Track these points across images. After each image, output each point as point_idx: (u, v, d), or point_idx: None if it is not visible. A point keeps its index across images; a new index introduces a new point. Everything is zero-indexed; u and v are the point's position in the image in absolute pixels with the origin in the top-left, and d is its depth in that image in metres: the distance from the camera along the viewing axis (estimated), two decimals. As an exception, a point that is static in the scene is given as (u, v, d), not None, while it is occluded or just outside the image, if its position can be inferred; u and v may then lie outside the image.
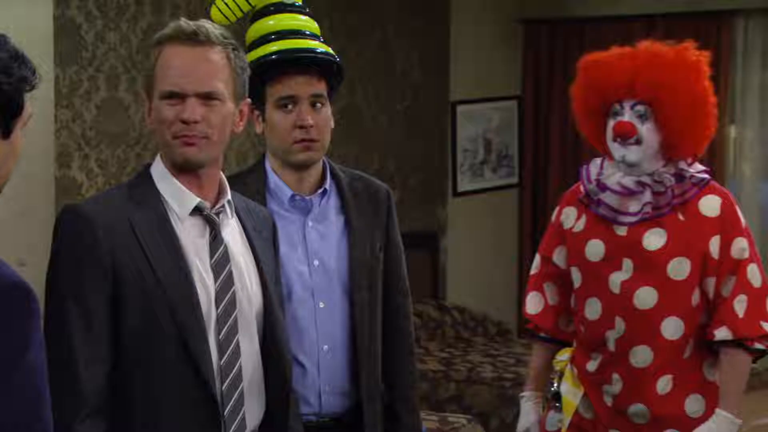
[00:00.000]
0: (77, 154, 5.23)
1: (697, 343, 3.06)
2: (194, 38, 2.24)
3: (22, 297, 1.62)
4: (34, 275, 2.26)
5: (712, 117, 3.10)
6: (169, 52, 2.25)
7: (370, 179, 2.94)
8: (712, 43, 6.66)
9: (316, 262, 2.78)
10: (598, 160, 3.18)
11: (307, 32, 2.86)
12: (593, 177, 3.14)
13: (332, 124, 2.82)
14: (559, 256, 3.21)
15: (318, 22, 2.95)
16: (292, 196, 2.78)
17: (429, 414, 5.10)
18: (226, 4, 2.91)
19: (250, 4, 2.90)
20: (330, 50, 2.84)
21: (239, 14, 2.92)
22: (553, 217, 3.25)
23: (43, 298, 2.24)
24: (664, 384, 3.04)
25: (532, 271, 3.29)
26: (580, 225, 3.15)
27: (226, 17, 2.91)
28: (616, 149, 3.04)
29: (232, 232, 2.33)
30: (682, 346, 3.05)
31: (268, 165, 2.83)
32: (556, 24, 7.27)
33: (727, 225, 3.05)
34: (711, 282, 3.04)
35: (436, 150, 7.08)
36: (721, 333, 3.02)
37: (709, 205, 3.05)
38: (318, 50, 2.81)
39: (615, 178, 3.09)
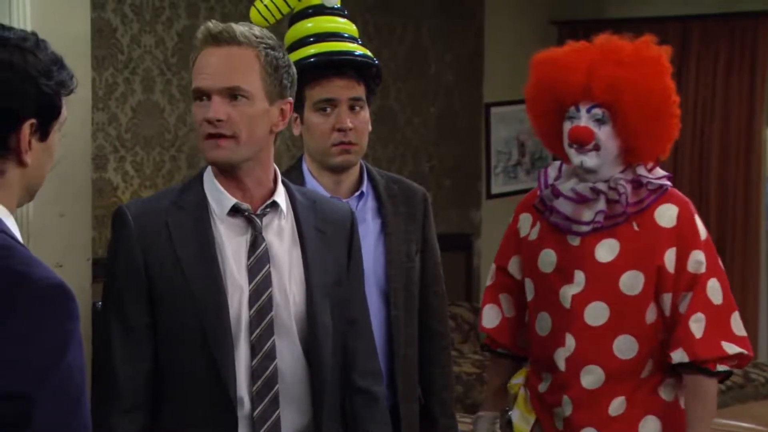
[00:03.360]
0: (113, 156, 5.26)
1: (657, 362, 2.85)
2: (219, 38, 2.26)
3: (60, 298, 1.64)
4: (72, 277, 2.29)
5: (675, 118, 2.89)
6: (202, 55, 2.29)
7: (406, 182, 2.93)
8: (748, 44, 6.62)
9: (353, 265, 2.77)
10: (557, 163, 2.98)
11: (346, 35, 2.86)
12: (550, 182, 2.94)
13: (370, 127, 2.82)
14: (514, 266, 3.01)
15: (353, 24, 2.95)
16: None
17: (463, 416, 5.08)
18: (265, 6, 2.92)
19: (289, 6, 2.90)
20: (368, 53, 2.84)
21: (279, 16, 2.92)
22: (510, 224, 3.05)
23: (82, 299, 2.30)
24: (617, 406, 2.84)
25: (488, 282, 3.09)
26: (535, 233, 2.95)
27: (265, 19, 2.92)
28: (574, 155, 2.84)
29: (279, 232, 2.32)
30: (638, 366, 2.84)
31: (305, 167, 2.83)
32: (590, 25, 7.21)
33: (684, 237, 2.83)
34: (667, 298, 2.82)
35: (469, 152, 7.06)
36: (678, 355, 2.79)
37: (666, 214, 2.84)
38: (357, 53, 2.81)
39: (569, 184, 2.89)
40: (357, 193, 2.81)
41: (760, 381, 5.94)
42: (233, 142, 2.24)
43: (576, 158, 2.84)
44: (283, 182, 2.37)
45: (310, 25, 2.85)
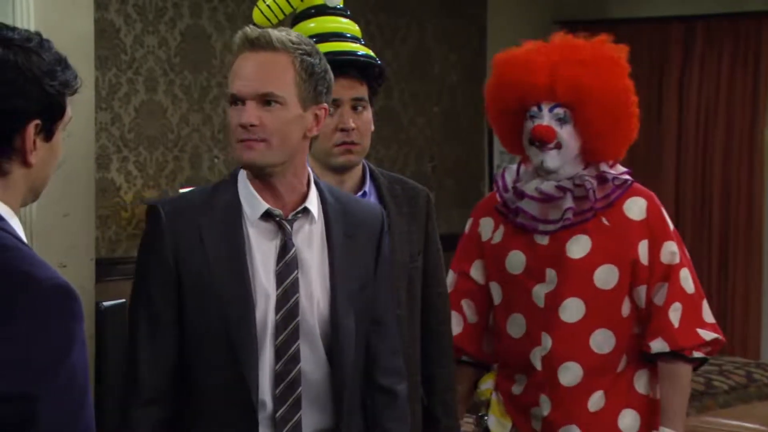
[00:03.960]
0: (116, 156, 5.26)
1: (630, 355, 2.89)
2: (256, 44, 2.29)
3: (64, 298, 1.64)
4: (75, 277, 2.30)
5: (635, 117, 2.92)
6: (239, 60, 2.32)
7: (409, 182, 2.93)
8: (751, 45, 6.61)
9: (355, 265, 2.77)
10: (513, 167, 3.01)
11: (349, 35, 2.86)
12: (509, 185, 2.96)
13: (372, 127, 2.82)
14: (476, 271, 3.02)
15: (356, 24, 2.95)
16: (332, 198, 2.78)
17: (467, 417, 5.07)
18: (268, 6, 2.91)
19: (291, 6, 2.90)
20: (371, 53, 2.84)
21: (281, 16, 2.92)
22: (467, 229, 3.07)
23: (85, 299, 2.31)
24: (595, 400, 2.86)
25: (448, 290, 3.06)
26: (498, 236, 2.97)
27: (268, 19, 2.92)
28: (534, 154, 2.87)
29: (309, 238, 2.35)
30: (614, 360, 2.87)
31: (308, 167, 2.83)
32: (593, 25, 7.19)
33: (655, 229, 2.87)
34: (642, 290, 2.86)
35: (472, 152, 7.06)
36: (657, 345, 2.85)
37: (635, 207, 2.87)
38: (359, 53, 2.81)
39: (533, 184, 2.91)
40: (359, 194, 2.81)
41: (764, 381, 5.93)
42: (264, 146, 2.27)
43: (537, 157, 2.87)
44: (316, 185, 2.39)
45: (312, 25, 2.85)
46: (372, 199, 2.83)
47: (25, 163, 1.74)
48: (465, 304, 3.04)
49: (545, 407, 2.87)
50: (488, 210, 3.03)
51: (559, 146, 2.85)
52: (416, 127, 6.72)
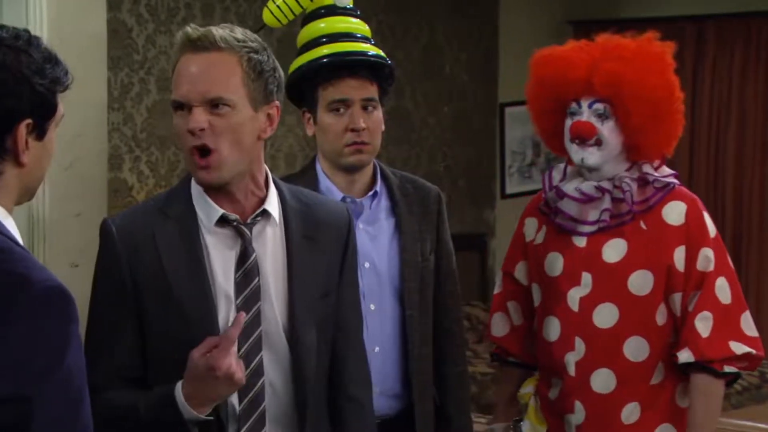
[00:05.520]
0: (128, 156, 5.28)
1: (668, 366, 2.78)
2: (199, 44, 2.14)
3: (59, 300, 1.63)
4: (87, 277, 2.28)
5: (679, 114, 2.82)
6: (181, 62, 2.17)
7: (420, 181, 2.93)
8: (763, 44, 6.60)
9: (366, 265, 2.78)
10: (561, 165, 2.92)
11: (359, 35, 2.86)
12: (555, 183, 2.88)
13: (383, 127, 2.82)
14: (520, 272, 2.95)
15: (366, 24, 2.95)
16: (343, 198, 2.78)
17: (478, 416, 5.08)
18: (278, 6, 2.92)
19: (301, 6, 2.90)
20: (381, 53, 2.84)
21: (291, 17, 2.93)
22: (516, 229, 2.99)
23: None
24: (629, 412, 2.77)
25: (496, 291, 3.03)
26: (540, 237, 2.89)
27: (278, 20, 2.92)
28: (575, 152, 2.78)
29: (270, 242, 2.22)
30: (649, 369, 2.77)
31: (319, 167, 2.83)
32: (605, 25, 7.16)
33: (693, 234, 2.75)
34: (677, 298, 2.75)
35: (484, 152, 7.06)
36: (684, 355, 2.72)
37: (674, 212, 2.77)
38: (370, 53, 2.81)
39: (573, 184, 2.83)
40: (371, 193, 2.82)
41: (776, 381, 5.93)
42: (216, 158, 2.13)
43: (577, 155, 2.79)
44: (275, 185, 2.27)
45: (322, 25, 2.85)
46: (383, 198, 2.84)
47: (18, 163, 1.72)
48: (510, 305, 2.99)
49: (580, 415, 2.81)
50: (533, 210, 2.95)
51: (599, 143, 2.76)
52: (427, 127, 6.72)
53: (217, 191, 2.19)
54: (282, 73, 2.24)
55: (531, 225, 2.94)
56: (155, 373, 2.18)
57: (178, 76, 2.16)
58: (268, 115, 2.20)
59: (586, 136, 2.76)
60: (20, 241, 1.73)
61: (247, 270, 2.18)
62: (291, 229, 2.24)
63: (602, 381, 2.78)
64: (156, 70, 5.35)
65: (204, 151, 2.14)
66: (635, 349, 2.77)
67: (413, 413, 2.79)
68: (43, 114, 1.73)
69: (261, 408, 2.18)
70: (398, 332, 2.79)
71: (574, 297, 2.80)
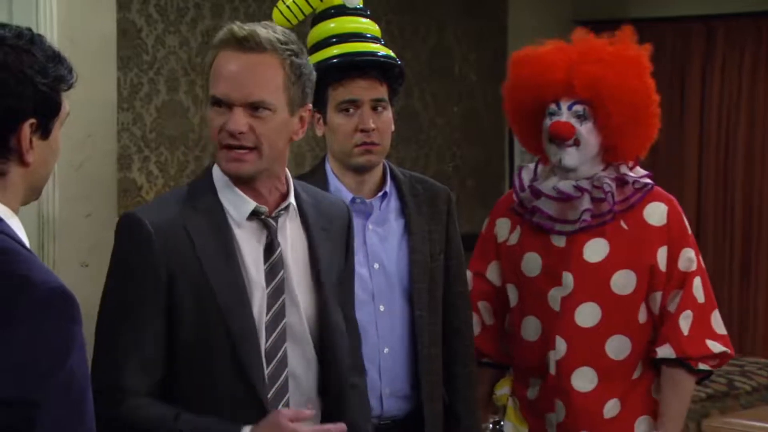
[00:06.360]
0: (137, 156, 5.28)
1: (646, 361, 2.84)
2: (245, 44, 2.15)
3: (61, 301, 1.63)
4: (97, 276, 2.28)
5: (655, 117, 2.87)
6: (222, 57, 2.18)
7: (430, 182, 2.93)
8: (773, 44, 6.59)
9: (376, 265, 2.78)
10: (531, 165, 2.96)
11: (369, 35, 2.86)
12: (526, 183, 2.91)
13: (393, 127, 2.82)
14: (492, 273, 2.98)
15: (375, 24, 2.95)
16: (353, 199, 2.78)
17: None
18: (288, 6, 2.92)
19: (311, 6, 2.90)
20: (391, 53, 2.84)
21: (301, 17, 2.93)
22: (484, 229, 3.02)
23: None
24: (610, 407, 2.82)
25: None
26: (515, 237, 2.92)
27: (288, 20, 2.92)
28: (553, 152, 2.82)
29: (291, 235, 2.27)
30: (630, 366, 2.83)
31: (328, 168, 2.83)
32: (613, 25, 7.19)
33: (674, 235, 2.81)
34: (657, 296, 2.81)
35: (493, 152, 7.05)
36: (665, 351, 2.80)
37: (655, 212, 2.82)
38: (379, 53, 2.81)
39: (550, 182, 2.86)
40: (380, 193, 2.82)
41: (786, 382, 5.91)
42: (255, 156, 2.17)
43: (555, 155, 2.82)
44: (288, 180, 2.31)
45: (332, 25, 2.85)
46: (393, 198, 2.83)
47: (23, 163, 1.72)
48: (481, 305, 3.01)
49: (560, 413, 2.84)
50: (505, 210, 2.98)
51: (577, 143, 2.80)
52: (436, 127, 6.72)
53: (243, 184, 2.22)
54: (315, 74, 2.27)
55: (503, 225, 2.96)
56: (185, 363, 2.17)
57: (219, 72, 2.17)
58: (301, 118, 2.25)
59: (565, 136, 2.79)
60: (26, 241, 1.72)
61: (273, 262, 2.22)
62: (309, 221, 2.30)
63: (584, 379, 2.81)
64: (165, 70, 5.36)
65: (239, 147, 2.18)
66: (618, 347, 2.82)
67: (422, 414, 2.79)
68: (46, 113, 1.73)
69: (285, 398, 2.21)
70: (408, 333, 2.79)
71: (555, 297, 2.83)
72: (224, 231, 2.20)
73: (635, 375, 2.84)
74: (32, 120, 1.71)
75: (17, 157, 1.71)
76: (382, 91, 2.77)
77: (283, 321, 2.21)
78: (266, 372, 2.19)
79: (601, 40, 2.88)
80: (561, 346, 2.82)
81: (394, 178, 2.85)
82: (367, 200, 2.80)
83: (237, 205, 2.22)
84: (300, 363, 2.24)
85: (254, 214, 2.23)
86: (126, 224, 2.21)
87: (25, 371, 1.59)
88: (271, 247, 2.23)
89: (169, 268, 2.16)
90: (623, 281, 2.81)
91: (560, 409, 2.84)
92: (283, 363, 2.21)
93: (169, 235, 2.17)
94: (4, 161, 1.71)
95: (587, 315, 2.81)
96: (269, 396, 2.19)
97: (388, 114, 2.79)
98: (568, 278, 2.82)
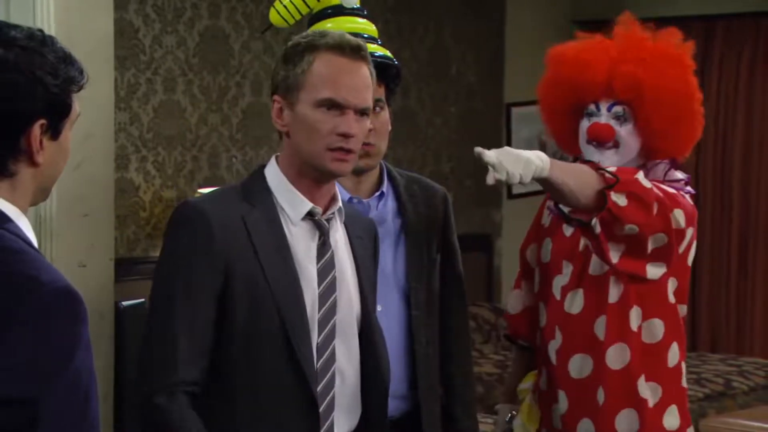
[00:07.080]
0: (134, 156, 5.29)
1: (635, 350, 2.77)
2: (358, 53, 2.30)
3: (67, 301, 1.64)
4: (95, 277, 2.28)
5: (699, 115, 2.82)
6: (332, 62, 2.28)
7: (427, 182, 2.93)
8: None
9: (373, 265, 2.78)
10: (570, 160, 2.92)
11: (365, 35, 2.85)
12: None
13: (390, 127, 2.81)
14: (530, 254, 2.99)
15: (373, 24, 2.95)
16: (350, 199, 2.78)
17: (484, 417, 5.08)
18: (285, 6, 2.92)
19: (308, 6, 2.91)
20: (388, 53, 2.84)
21: (298, 17, 2.93)
22: (537, 212, 3.02)
23: (105, 298, 2.27)
24: (601, 393, 2.76)
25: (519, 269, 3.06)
26: (547, 221, 2.93)
27: (285, 20, 2.92)
28: (591, 154, 2.76)
29: (339, 238, 2.37)
30: (622, 352, 2.76)
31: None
32: (611, 25, 7.20)
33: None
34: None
35: (490, 152, 7.06)
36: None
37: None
38: (376, 54, 2.80)
39: None
40: (377, 194, 2.81)
41: (783, 382, 5.92)
42: (353, 157, 2.31)
43: (593, 157, 2.76)
44: None
45: (329, 25, 2.85)
46: (390, 199, 2.83)
47: (33, 164, 1.73)
48: (524, 285, 3.02)
49: (563, 405, 2.84)
50: None
51: (617, 145, 2.75)
52: (434, 128, 6.72)
53: (308, 185, 2.31)
54: None
55: (547, 211, 2.95)
56: (236, 352, 2.22)
57: (335, 77, 2.28)
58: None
59: (605, 139, 2.74)
60: (34, 241, 1.73)
61: (326, 261, 2.32)
62: (348, 227, 2.41)
63: (578, 366, 2.79)
64: (162, 70, 5.36)
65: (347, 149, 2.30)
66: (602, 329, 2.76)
67: (419, 414, 2.79)
68: (57, 114, 1.74)
69: (331, 394, 2.29)
70: (404, 333, 2.79)
71: (557, 285, 2.83)
72: (279, 228, 2.29)
73: (623, 364, 2.77)
74: (42, 121, 1.72)
75: (27, 157, 1.72)
76: (378, 92, 2.76)
77: (334, 318, 2.30)
78: (316, 366, 2.26)
79: (643, 34, 2.81)
80: (558, 335, 2.82)
81: (391, 178, 2.85)
82: (364, 200, 2.79)
83: (294, 204, 2.31)
84: (347, 359, 2.33)
85: (308, 215, 2.32)
86: (185, 212, 2.28)
87: (30, 370, 1.60)
88: (323, 247, 2.32)
89: (228, 255, 2.23)
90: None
91: (562, 400, 2.82)
92: (332, 358, 2.30)
93: (227, 224, 2.25)
94: (14, 161, 1.71)
95: (577, 301, 2.79)
96: (318, 389, 2.26)
97: (385, 114, 2.79)
98: (567, 267, 2.82)
